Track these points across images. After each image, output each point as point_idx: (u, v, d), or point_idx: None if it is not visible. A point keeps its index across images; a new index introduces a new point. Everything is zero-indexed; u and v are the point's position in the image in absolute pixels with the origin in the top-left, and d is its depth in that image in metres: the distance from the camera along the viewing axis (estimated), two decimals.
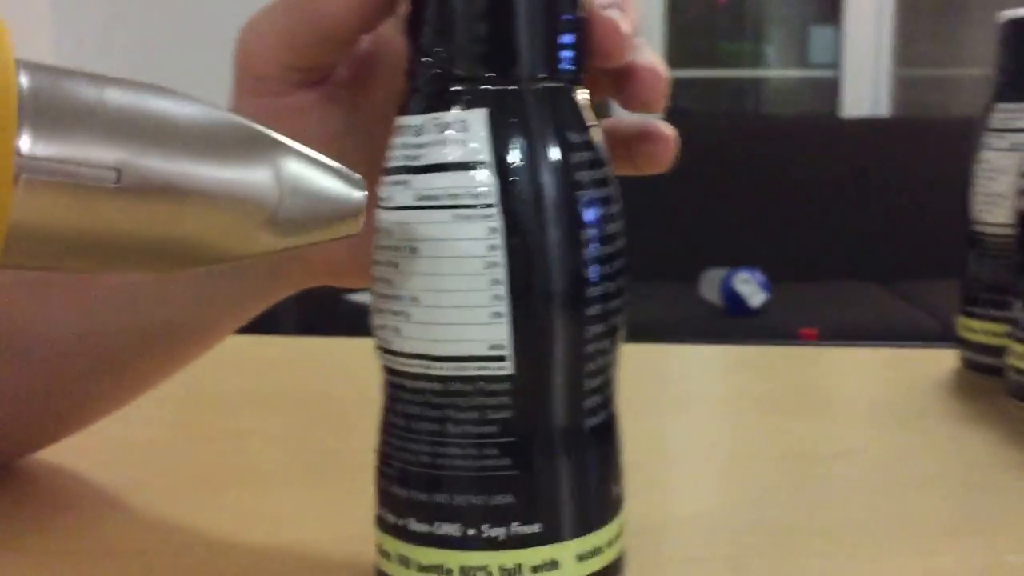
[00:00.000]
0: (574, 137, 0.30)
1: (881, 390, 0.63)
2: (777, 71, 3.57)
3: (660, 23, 3.18)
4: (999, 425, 0.52)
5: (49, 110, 0.23)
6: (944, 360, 0.63)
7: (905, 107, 3.19)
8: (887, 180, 2.72)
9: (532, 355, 0.29)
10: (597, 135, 0.31)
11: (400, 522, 0.30)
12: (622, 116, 0.37)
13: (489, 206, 0.28)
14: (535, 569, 0.30)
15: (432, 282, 0.29)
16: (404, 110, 0.30)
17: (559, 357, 0.29)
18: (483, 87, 0.29)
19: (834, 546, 0.38)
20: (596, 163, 0.30)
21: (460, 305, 0.29)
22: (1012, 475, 0.45)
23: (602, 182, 0.30)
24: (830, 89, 3.27)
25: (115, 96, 0.24)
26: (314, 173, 0.26)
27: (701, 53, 3.46)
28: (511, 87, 0.29)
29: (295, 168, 0.26)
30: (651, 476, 0.45)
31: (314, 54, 0.34)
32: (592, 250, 0.29)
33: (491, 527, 0.29)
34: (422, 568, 0.30)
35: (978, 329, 0.61)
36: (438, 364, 0.29)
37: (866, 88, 3.19)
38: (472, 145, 0.29)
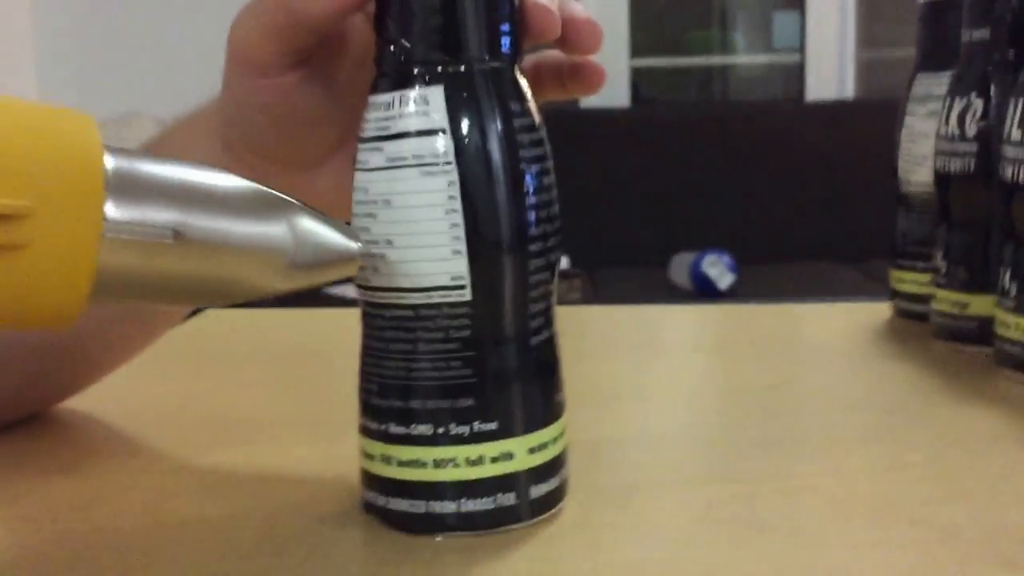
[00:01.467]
0: (515, 107, 0.36)
1: (819, 336, 0.69)
2: (742, 57, 3.63)
3: (625, 11, 3.23)
4: (922, 361, 0.59)
5: (126, 185, 0.30)
6: (881, 312, 0.70)
7: (869, 89, 3.26)
8: (853, 161, 2.79)
9: (486, 284, 0.36)
10: (533, 105, 0.37)
11: (381, 427, 0.37)
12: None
13: (447, 164, 0.35)
14: (494, 460, 0.36)
15: (403, 227, 0.36)
16: (374, 90, 0.37)
17: (507, 286, 0.36)
18: (438, 68, 0.36)
19: (761, 452, 0.45)
20: (533, 127, 0.37)
21: (426, 245, 0.35)
22: (925, 399, 0.52)
23: (538, 143, 0.37)
24: (795, 73, 3.34)
25: (172, 172, 0.32)
26: (321, 229, 0.34)
27: (666, 41, 3.52)
28: (461, 68, 0.36)
29: (306, 225, 0.34)
30: (603, 405, 0.52)
31: (297, 43, 0.40)
32: (531, 199, 0.36)
33: (457, 426, 0.36)
34: (401, 463, 0.37)
35: (907, 280, 0.68)
36: (410, 294, 0.36)
37: (831, 71, 3.26)
38: (432, 116, 0.36)
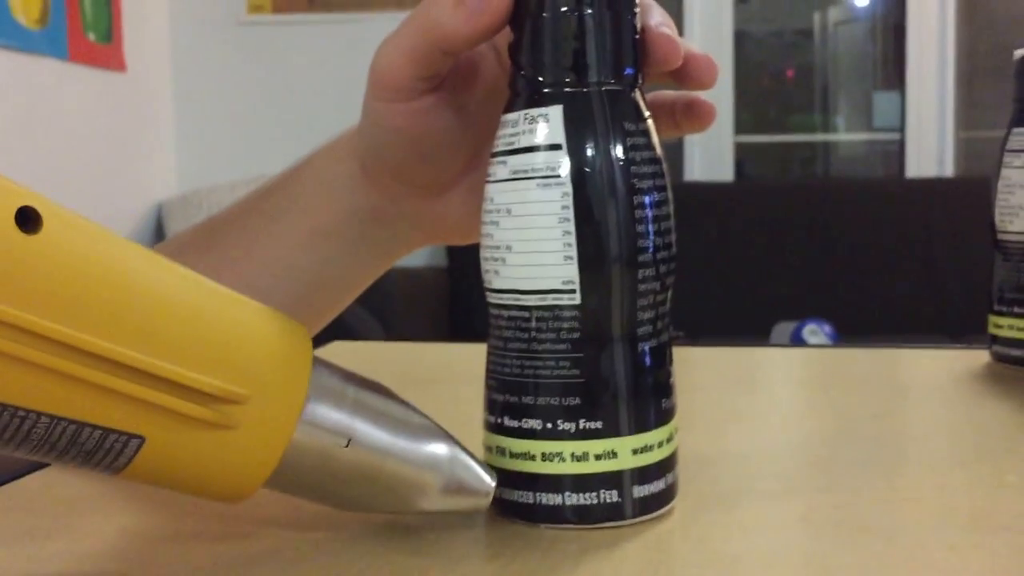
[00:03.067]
0: (630, 126, 0.39)
1: (920, 376, 0.71)
2: (843, 135, 3.63)
3: (731, 91, 3.27)
4: (1019, 400, 0.59)
5: (320, 393, 0.35)
6: (979, 357, 0.71)
7: (968, 167, 3.24)
8: (951, 237, 2.76)
9: (594, 290, 0.38)
10: (650, 126, 0.40)
11: (497, 420, 0.39)
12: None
13: (562, 177, 0.38)
14: (598, 457, 0.38)
15: (521, 235, 0.38)
16: (507, 110, 0.40)
17: (615, 292, 0.38)
18: (563, 89, 0.39)
19: (864, 470, 0.46)
20: (647, 147, 0.39)
21: (541, 251, 0.38)
22: (1019, 429, 0.53)
23: (651, 161, 0.39)
24: (895, 151, 3.33)
25: (355, 391, 0.36)
26: (469, 460, 0.38)
27: (770, 121, 3.54)
28: (584, 89, 0.39)
29: (459, 453, 0.38)
30: (710, 427, 0.54)
31: (433, 67, 0.43)
32: (641, 212, 0.39)
33: (564, 422, 0.38)
34: (513, 455, 0.39)
35: (1004, 325, 0.69)
36: (525, 296, 0.38)
37: (930, 150, 3.25)
38: (551, 132, 0.38)
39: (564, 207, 0.38)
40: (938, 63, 3.22)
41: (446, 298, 3.09)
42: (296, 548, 0.37)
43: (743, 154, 3.34)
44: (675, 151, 3.26)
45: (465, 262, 2.92)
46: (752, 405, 0.62)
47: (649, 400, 0.40)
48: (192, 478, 0.33)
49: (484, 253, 0.40)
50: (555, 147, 0.38)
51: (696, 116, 0.46)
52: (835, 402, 0.61)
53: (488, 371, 0.40)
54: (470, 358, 0.74)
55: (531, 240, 0.38)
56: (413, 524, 0.39)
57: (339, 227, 0.49)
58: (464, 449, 0.38)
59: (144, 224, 3.19)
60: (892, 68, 3.39)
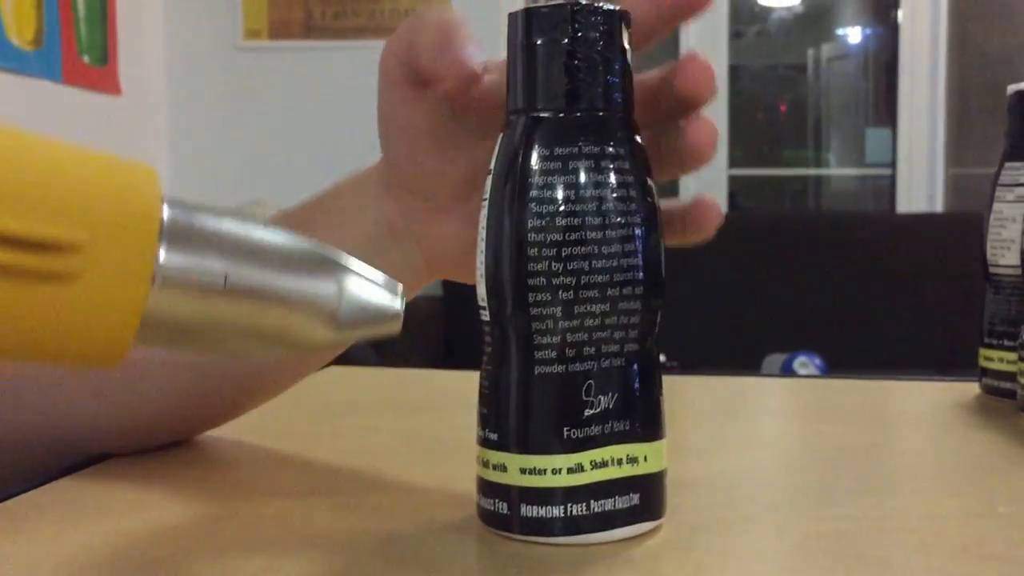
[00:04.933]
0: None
1: (910, 407, 0.71)
2: (835, 170, 3.66)
3: (725, 125, 3.29)
4: (1009, 431, 0.59)
5: (182, 234, 0.32)
6: (969, 389, 0.72)
7: (958, 203, 3.26)
8: (941, 272, 2.77)
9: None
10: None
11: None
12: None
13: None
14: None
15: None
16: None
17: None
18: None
19: (855, 498, 0.46)
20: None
21: None
22: (1011, 462, 0.53)
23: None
24: (886, 187, 3.35)
25: (228, 225, 0.33)
26: (367, 288, 0.35)
27: (763, 156, 3.57)
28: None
29: (352, 283, 0.35)
30: (701, 454, 0.53)
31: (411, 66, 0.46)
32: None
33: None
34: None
35: (995, 358, 0.69)
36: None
37: (920, 185, 3.27)
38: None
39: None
40: (929, 100, 3.24)
41: (441, 326, 3.10)
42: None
43: (736, 186, 3.36)
44: (670, 183, 3.27)
45: (459, 291, 2.92)
46: (743, 433, 0.62)
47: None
48: (48, 342, 0.30)
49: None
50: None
51: (703, 216, 0.46)
52: (826, 432, 0.61)
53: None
54: (465, 385, 0.75)
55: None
56: (408, 548, 0.39)
57: (362, 240, 0.50)
58: (361, 270, 0.35)
59: None
60: (884, 104, 3.42)
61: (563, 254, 0.38)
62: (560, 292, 0.38)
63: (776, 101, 3.62)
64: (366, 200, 0.51)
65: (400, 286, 0.36)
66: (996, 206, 0.71)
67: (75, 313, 0.30)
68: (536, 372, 0.39)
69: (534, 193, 0.38)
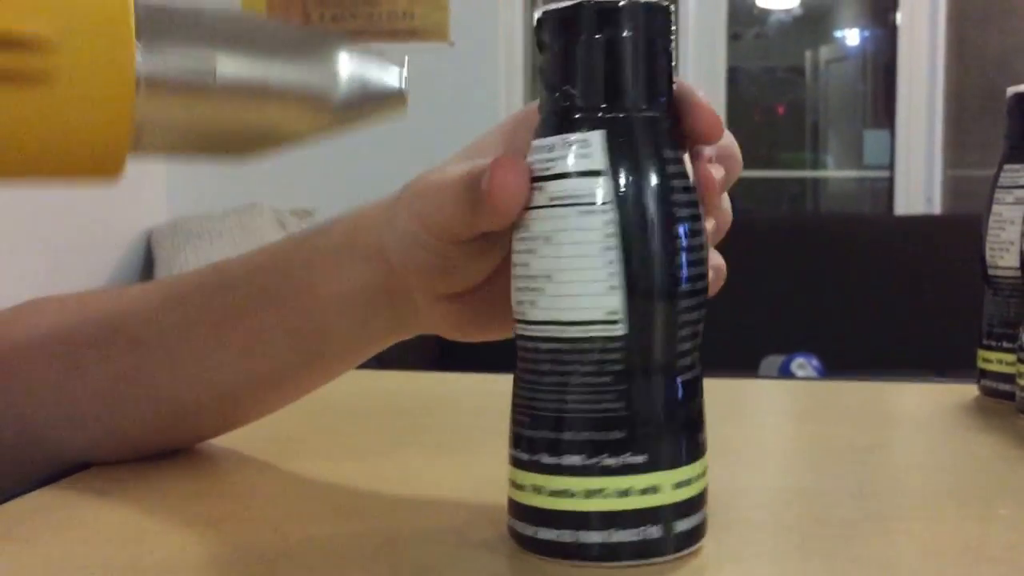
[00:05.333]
0: (669, 154, 0.38)
1: (908, 409, 0.71)
2: (833, 171, 3.66)
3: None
4: (1008, 433, 0.59)
5: (160, 25, 0.29)
6: (968, 391, 0.71)
7: (955, 205, 3.26)
8: (939, 273, 2.77)
9: (639, 321, 0.37)
10: (686, 156, 0.39)
11: (533, 457, 0.38)
12: None
13: (606, 204, 0.37)
14: (642, 492, 0.37)
15: (562, 263, 0.37)
16: (538, 134, 0.39)
17: (659, 324, 0.37)
18: (599, 114, 0.38)
19: (856, 501, 0.46)
20: (685, 175, 0.39)
21: (583, 280, 0.37)
22: (1011, 465, 0.53)
23: (689, 190, 0.38)
24: (884, 189, 3.35)
25: (209, 15, 0.31)
26: (367, 66, 0.33)
27: (762, 158, 3.57)
28: (621, 114, 0.38)
29: (351, 64, 0.33)
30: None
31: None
32: (684, 241, 0.38)
33: (608, 457, 0.37)
34: (552, 493, 0.38)
35: (993, 359, 0.69)
36: (566, 328, 0.37)
37: (918, 187, 3.27)
38: (593, 158, 0.37)
39: (608, 235, 0.37)
40: (928, 102, 3.24)
41: None
42: None
43: (733, 188, 3.34)
44: None
45: None
46: (741, 436, 0.61)
47: (689, 432, 0.39)
48: (42, 151, 0.29)
49: (517, 284, 0.39)
50: (597, 173, 0.37)
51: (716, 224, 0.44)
52: (825, 434, 0.61)
53: (517, 406, 0.39)
54: (460, 388, 0.75)
55: (572, 269, 0.37)
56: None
57: (354, 296, 0.46)
58: (361, 50, 0.33)
59: (133, 251, 3.17)
60: (882, 106, 3.42)
61: (699, 258, 0.38)
62: (698, 296, 0.38)
63: (774, 103, 3.62)
64: (358, 259, 0.45)
65: (401, 68, 0.33)
66: (995, 208, 0.71)
67: (60, 116, 0.28)
68: (679, 380, 0.38)
69: (679, 197, 0.38)
